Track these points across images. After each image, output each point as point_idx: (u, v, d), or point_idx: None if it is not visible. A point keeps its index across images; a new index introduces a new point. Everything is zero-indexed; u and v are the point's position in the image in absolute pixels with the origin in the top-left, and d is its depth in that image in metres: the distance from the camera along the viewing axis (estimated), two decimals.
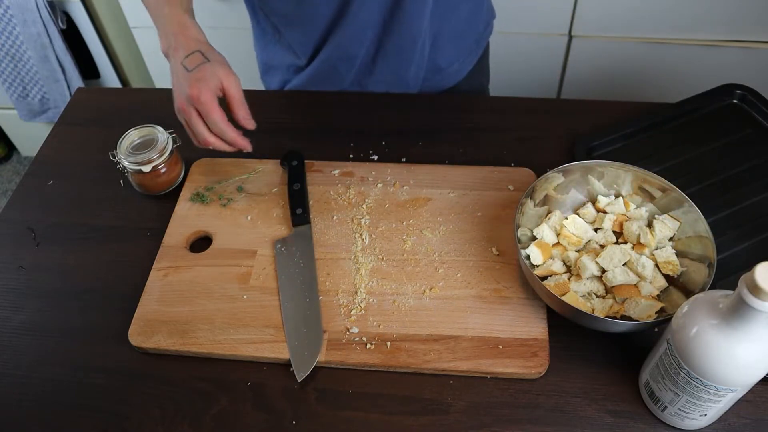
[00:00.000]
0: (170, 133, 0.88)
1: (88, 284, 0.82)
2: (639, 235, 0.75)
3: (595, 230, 0.78)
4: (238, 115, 0.78)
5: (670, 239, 0.76)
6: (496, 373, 0.71)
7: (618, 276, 0.72)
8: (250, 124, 0.79)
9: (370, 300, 0.77)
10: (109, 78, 1.92)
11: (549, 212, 0.80)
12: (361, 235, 0.83)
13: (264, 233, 0.84)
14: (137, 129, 0.89)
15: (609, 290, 0.73)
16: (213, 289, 0.79)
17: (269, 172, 0.91)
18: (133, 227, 0.88)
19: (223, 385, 0.72)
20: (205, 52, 0.76)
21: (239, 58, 1.02)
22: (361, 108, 1.01)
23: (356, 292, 0.77)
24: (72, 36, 1.80)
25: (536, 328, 0.73)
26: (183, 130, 0.92)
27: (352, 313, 0.76)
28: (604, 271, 0.73)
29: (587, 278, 0.73)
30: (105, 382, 0.73)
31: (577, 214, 0.80)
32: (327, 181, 0.90)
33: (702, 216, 0.72)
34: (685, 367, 0.58)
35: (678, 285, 0.73)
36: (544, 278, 0.75)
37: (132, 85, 1.99)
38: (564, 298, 0.69)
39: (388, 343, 0.73)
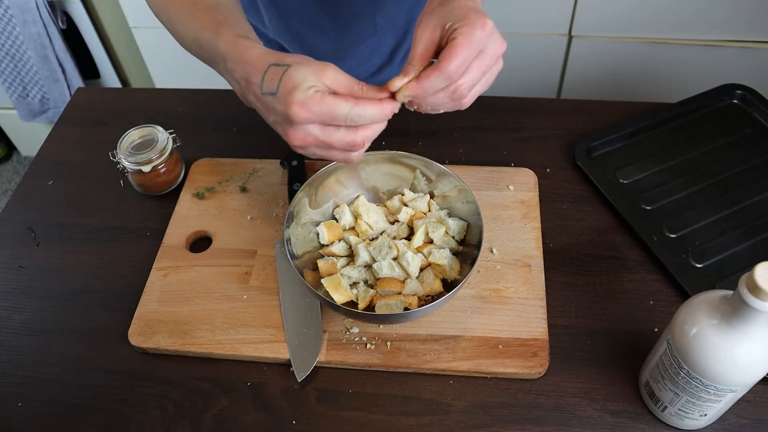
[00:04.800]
0: (170, 133, 0.88)
1: (88, 284, 0.82)
2: (427, 232, 0.76)
3: (394, 222, 0.79)
4: (368, 95, 0.58)
5: (461, 242, 0.77)
6: (496, 373, 0.71)
7: (384, 269, 0.72)
8: (393, 85, 0.58)
9: None
10: (109, 78, 1.93)
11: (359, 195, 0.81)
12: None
13: (264, 233, 0.84)
14: (137, 129, 0.89)
15: (377, 281, 0.73)
16: (213, 289, 0.79)
17: (269, 172, 0.91)
18: (133, 227, 0.88)
19: (223, 385, 0.72)
20: (278, 60, 0.58)
21: None
22: None
23: None
24: (72, 36, 1.80)
25: (536, 328, 0.73)
26: (183, 129, 0.93)
27: None
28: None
29: (360, 266, 0.74)
30: (105, 382, 0.74)
31: (386, 205, 0.81)
32: None
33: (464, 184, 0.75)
34: (685, 367, 0.58)
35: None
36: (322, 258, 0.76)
37: (132, 85, 1.99)
38: (324, 281, 0.72)
39: (388, 343, 0.73)
